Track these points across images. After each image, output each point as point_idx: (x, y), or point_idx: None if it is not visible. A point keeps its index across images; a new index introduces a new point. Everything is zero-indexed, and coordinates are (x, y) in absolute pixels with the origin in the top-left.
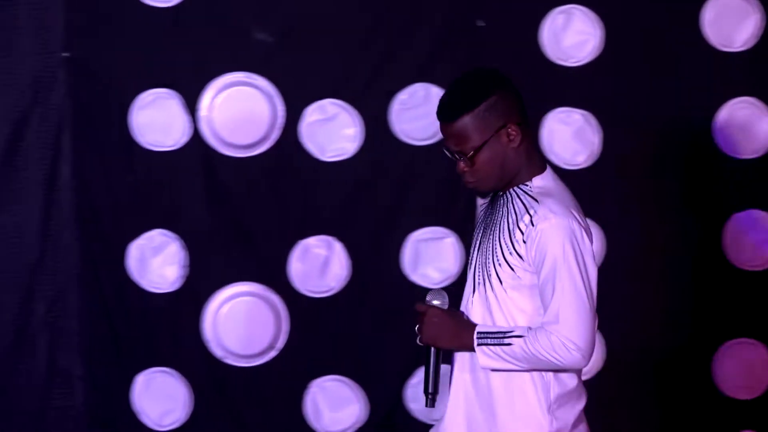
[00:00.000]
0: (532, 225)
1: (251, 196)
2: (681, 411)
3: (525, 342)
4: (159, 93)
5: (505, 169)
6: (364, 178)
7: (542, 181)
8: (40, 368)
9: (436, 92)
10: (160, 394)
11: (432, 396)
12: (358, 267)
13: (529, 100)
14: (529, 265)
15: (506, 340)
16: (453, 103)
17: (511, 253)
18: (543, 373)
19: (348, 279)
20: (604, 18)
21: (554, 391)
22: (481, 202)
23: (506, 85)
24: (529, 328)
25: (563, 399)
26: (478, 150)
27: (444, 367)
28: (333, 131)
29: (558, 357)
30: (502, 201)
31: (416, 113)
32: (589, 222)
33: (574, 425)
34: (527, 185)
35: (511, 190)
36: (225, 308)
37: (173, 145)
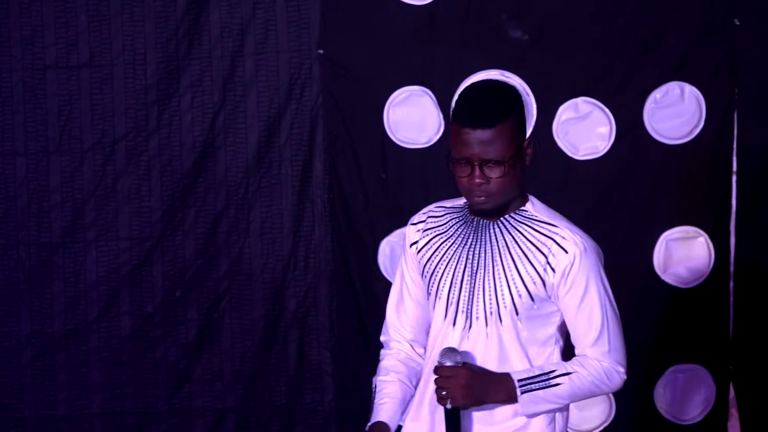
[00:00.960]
0: (564, 251)
1: None
2: None
3: (574, 378)
4: (413, 90)
5: (515, 189)
6: (616, 177)
7: (538, 205)
8: (290, 363)
9: (690, 91)
10: None
11: None
12: (609, 266)
13: None
14: (555, 292)
15: (552, 381)
16: (493, 107)
17: (535, 283)
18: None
19: None
20: None
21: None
22: (415, 236)
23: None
24: (572, 362)
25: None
26: (513, 159)
27: None
28: (586, 130)
29: (609, 384)
30: (495, 229)
31: (670, 112)
32: None
33: None
34: (525, 210)
35: (507, 216)
36: None
37: (426, 143)
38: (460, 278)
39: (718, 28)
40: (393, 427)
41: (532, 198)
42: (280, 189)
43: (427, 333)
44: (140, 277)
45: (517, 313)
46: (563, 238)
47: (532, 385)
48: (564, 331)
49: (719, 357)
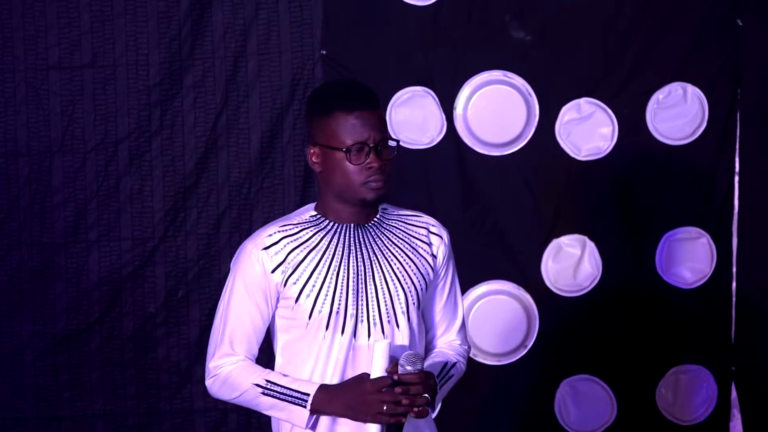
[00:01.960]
0: (438, 236)
1: (504, 194)
2: None
3: (458, 366)
4: (415, 91)
5: None
6: (619, 177)
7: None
8: None
9: (693, 92)
10: None
11: None
12: (610, 266)
13: None
14: (434, 279)
15: (449, 374)
16: (369, 91)
17: (429, 273)
18: None
19: (600, 278)
20: None
21: None
22: (276, 260)
23: None
24: (450, 350)
25: None
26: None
27: None
28: (588, 130)
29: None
30: (371, 232)
31: (673, 112)
32: None
33: None
34: (386, 208)
35: (378, 217)
36: (477, 306)
37: (429, 143)
38: (345, 287)
39: (720, 28)
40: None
41: None
42: (282, 189)
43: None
44: (142, 278)
45: (418, 306)
46: (432, 224)
47: (441, 381)
48: None
49: (721, 358)
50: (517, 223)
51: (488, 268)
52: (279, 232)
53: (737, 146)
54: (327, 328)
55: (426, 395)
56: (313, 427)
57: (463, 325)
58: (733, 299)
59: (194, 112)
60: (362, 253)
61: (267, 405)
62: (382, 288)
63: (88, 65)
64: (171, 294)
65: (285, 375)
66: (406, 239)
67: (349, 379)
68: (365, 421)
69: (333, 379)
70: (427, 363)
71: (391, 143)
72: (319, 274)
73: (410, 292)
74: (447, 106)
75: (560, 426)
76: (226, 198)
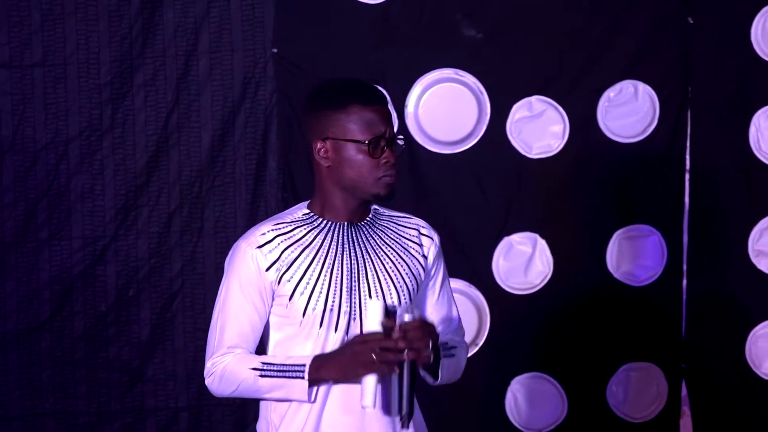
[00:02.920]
0: (428, 237)
1: (455, 192)
2: None
3: (460, 352)
4: None
5: None
6: (570, 175)
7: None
8: None
9: (643, 89)
10: None
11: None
12: (561, 264)
13: (738, 97)
14: (424, 280)
15: (451, 352)
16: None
17: (420, 274)
18: None
19: (551, 276)
20: None
21: None
22: (270, 259)
23: None
24: (454, 335)
25: None
26: None
27: None
28: (539, 128)
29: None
30: (363, 231)
31: (624, 110)
32: None
33: None
34: (377, 209)
35: (369, 216)
36: None
37: None
38: (339, 285)
39: (671, 26)
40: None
41: None
42: (233, 188)
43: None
44: (93, 277)
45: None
46: (422, 226)
47: (444, 351)
48: None
49: (672, 355)
50: (468, 221)
51: None
52: (272, 230)
53: (688, 144)
54: (321, 325)
55: (427, 340)
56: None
57: (460, 325)
58: (684, 297)
59: (145, 110)
60: (356, 252)
61: (267, 387)
62: (375, 286)
63: (39, 64)
64: (122, 293)
65: (278, 355)
66: (397, 239)
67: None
68: (358, 375)
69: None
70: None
71: (399, 140)
72: (313, 271)
73: (402, 291)
74: (398, 104)
75: (511, 424)
76: (177, 197)
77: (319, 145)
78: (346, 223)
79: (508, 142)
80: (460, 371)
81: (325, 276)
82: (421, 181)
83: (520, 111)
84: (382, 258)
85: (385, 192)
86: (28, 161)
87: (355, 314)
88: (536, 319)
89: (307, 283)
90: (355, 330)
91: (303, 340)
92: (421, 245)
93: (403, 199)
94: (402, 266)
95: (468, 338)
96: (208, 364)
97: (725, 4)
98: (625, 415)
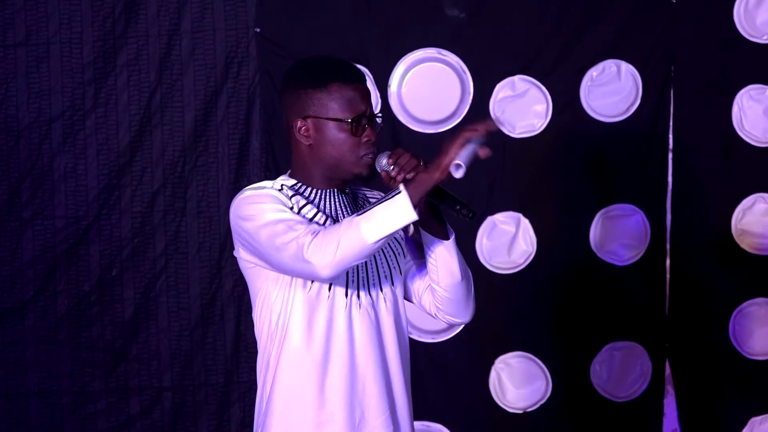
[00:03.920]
0: None
1: None
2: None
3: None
4: None
5: None
6: (553, 155)
7: None
8: (227, 342)
9: (626, 69)
10: None
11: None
12: (545, 244)
13: (721, 76)
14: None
15: None
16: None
17: (401, 240)
18: None
19: (534, 255)
20: None
21: None
22: (286, 202)
23: None
24: None
25: None
26: None
27: None
28: (523, 107)
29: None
30: (349, 198)
31: (607, 90)
32: None
33: None
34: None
35: (348, 189)
36: None
37: None
38: None
39: (654, 5)
40: None
41: None
42: (216, 168)
43: None
44: (76, 256)
45: (397, 271)
46: (382, 194)
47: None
48: None
49: (655, 334)
50: None
51: (422, 245)
52: (283, 185)
53: (671, 123)
54: (330, 288)
55: (416, 157)
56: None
57: None
58: (667, 276)
59: (128, 90)
60: (350, 212)
61: (368, 221)
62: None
63: (22, 43)
64: (105, 272)
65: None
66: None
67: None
68: (452, 152)
69: (309, 331)
70: None
71: (378, 118)
72: (317, 222)
73: (390, 258)
74: (381, 83)
75: (495, 403)
76: (161, 176)
77: (299, 124)
78: (335, 190)
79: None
80: (471, 284)
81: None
82: None
83: (503, 90)
84: None
85: (367, 172)
86: (11, 140)
87: (353, 278)
88: (520, 298)
89: None
90: (352, 294)
91: (297, 287)
92: None
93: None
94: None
95: None
96: (300, 241)
97: None
98: (609, 395)
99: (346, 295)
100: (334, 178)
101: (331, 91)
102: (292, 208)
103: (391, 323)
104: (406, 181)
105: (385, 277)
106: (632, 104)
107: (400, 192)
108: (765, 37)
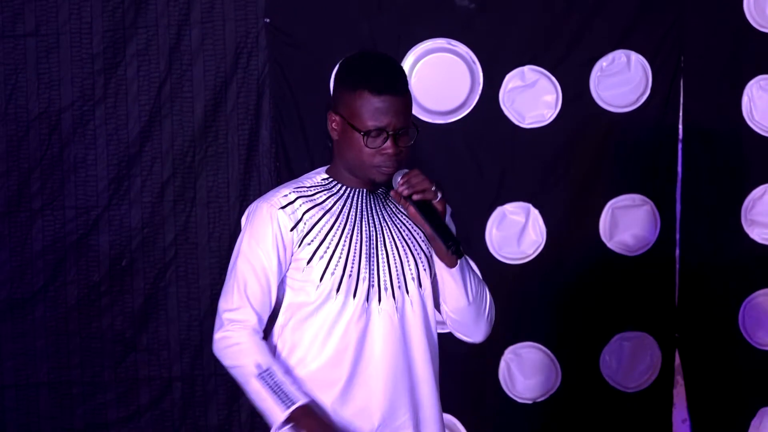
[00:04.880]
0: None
1: (448, 162)
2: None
3: (482, 282)
4: None
5: None
6: (563, 145)
7: None
8: None
9: (636, 59)
10: None
11: (459, 244)
12: (554, 234)
13: (731, 67)
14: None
15: (473, 269)
16: (401, 74)
17: (431, 252)
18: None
19: (544, 246)
20: None
21: None
22: (293, 220)
23: None
24: None
25: None
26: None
27: None
28: (532, 98)
29: (493, 315)
30: (379, 200)
31: (616, 80)
32: None
33: None
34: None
35: (383, 190)
36: None
37: None
38: (358, 251)
39: None
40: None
41: None
42: (226, 158)
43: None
44: (86, 246)
45: (427, 274)
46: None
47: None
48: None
49: (665, 325)
50: (461, 191)
51: None
52: (294, 192)
53: (681, 113)
54: (338, 290)
55: (428, 180)
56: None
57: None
58: (677, 266)
59: (138, 80)
60: (374, 219)
61: (254, 389)
62: (393, 254)
63: (31, 34)
64: (115, 262)
65: (287, 372)
66: (409, 224)
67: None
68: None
69: (338, 343)
70: None
71: (412, 131)
72: (334, 236)
73: (420, 258)
74: None
75: (505, 394)
76: (170, 166)
77: (332, 117)
78: (364, 191)
79: (501, 111)
80: (486, 304)
81: (345, 242)
82: (414, 151)
83: (512, 81)
84: (399, 226)
85: (381, 179)
86: (21, 131)
87: (373, 281)
88: (529, 289)
89: (327, 248)
90: (373, 297)
91: (317, 306)
92: None
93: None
94: (418, 233)
95: None
96: (224, 317)
97: None
98: (618, 385)
99: (367, 299)
100: (360, 177)
101: (358, 98)
102: (297, 224)
103: (419, 325)
104: (415, 203)
105: (413, 278)
106: (642, 94)
107: (284, 409)
108: None
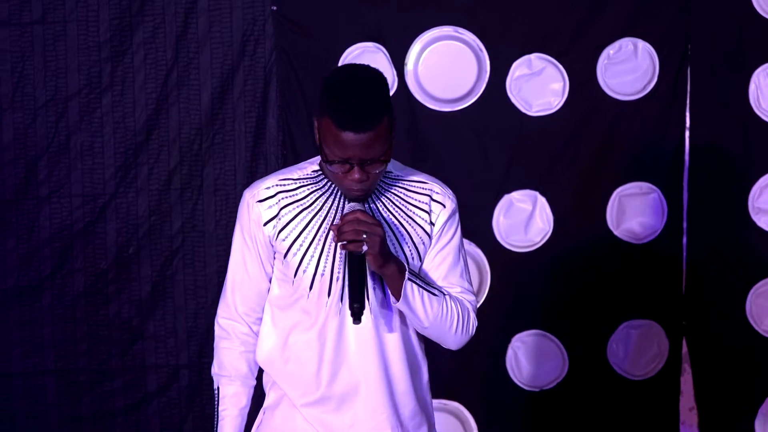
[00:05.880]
0: (441, 205)
1: (455, 150)
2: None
3: (448, 300)
4: (366, 47)
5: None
6: (570, 133)
7: (394, 163)
8: None
9: (643, 47)
10: None
11: (361, 309)
12: (561, 222)
13: (738, 54)
14: (432, 245)
15: (432, 290)
16: (370, 109)
17: (423, 242)
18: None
19: (551, 234)
20: None
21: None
22: (269, 214)
23: None
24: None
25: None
26: (389, 151)
27: None
28: (539, 86)
29: (471, 324)
30: (371, 197)
31: (623, 68)
32: None
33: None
34: (389, 172)
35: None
36: None
37: None
38: (332, 250)
39: None
40: None
41: None
42: (233, 146)
43: (263, 309)
44: (93, 234)
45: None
46: (436, 192)
47: (417, 280)
48: None
49: (672, 312)
50: (469, 179)
51: None
52: (277, 185)
53: (688, 101)
54: (311, 288)
55: (363, 233)
56: None
57: (465, 293)
58: (684, 254)
59: (145, 68)
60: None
61: (218, 414)
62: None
63: (38, 21)
64: (122, 250)
65: (232, 408)
66: (402, 206)
67: None
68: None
69: (314, 340)
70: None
71: (385, 156)
72: (309, 233)
73: (410, 253)
74: (398, 62)
75: (512, 381)
76: (177, 154)
77: (315, 123)
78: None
79: (508, 99)
80: (453, 322)
81: (319, 240)
82: (421, 139)
83: (519, 68)
84: (389, 225)
85: (353, 197)
86: (28, 119)
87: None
88: (537, 276)
89: (301, 245)
90: (374, 299)
91: (297, 298)
92: (429, 212)
93: (403, 157)
94: (401, 235)
95: None
96: (220, 321)
97: None
98: (625, 373)
99: (341, 299)
100: None
101: (325, 123)
102: (272, 219)
103: (395, 324)
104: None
105: None
106: (649, 82)
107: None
108: None
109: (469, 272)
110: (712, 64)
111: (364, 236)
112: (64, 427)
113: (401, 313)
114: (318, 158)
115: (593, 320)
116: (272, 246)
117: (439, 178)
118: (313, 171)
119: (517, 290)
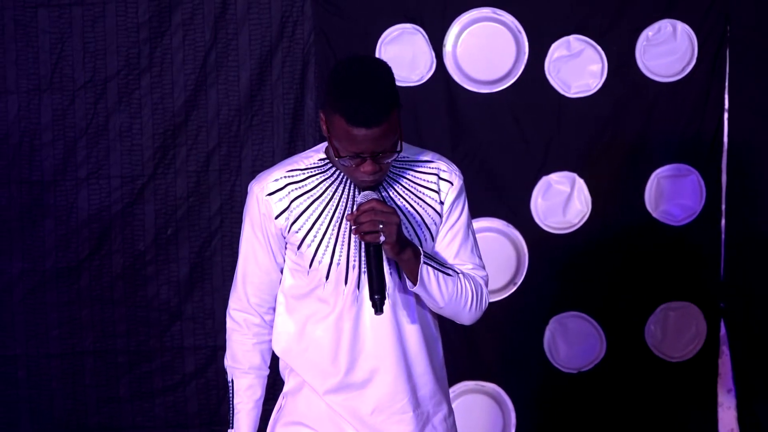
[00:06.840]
0: (448, 182)
1: (494, 132)
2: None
3: (461, 278)
4: (405, 28)
5: None
6: (608, 114)
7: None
8: None
9: (682, 28)
10: None
11: (382, 300)
12: (599, 204)
13: None
14: (443, 223)
15: (447, 270)
16: (379, 103)
17: (435, 222)
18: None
19: (589, 215)
20: None
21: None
22: (280, 207)
23: None
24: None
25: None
26: (399, 140)
27: None
28: (578, 67)
29: (485, 300)
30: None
31: (662, 49)
32: None
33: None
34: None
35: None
36: None
37: (418, 81)
38: (347, 238)
39: None
40: None
41: None
42: (271, 127)
43: (275, 299)
44: (132, 215)
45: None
46: (443, 170)
47: (432, 263)
48: None
49: (710, 294)
50: (507, 160)
51: (478, 205)
52: (285, 177)
53: (726, 83)
54: (327, 278)
55: (379, 223)
56: None
57: (477, 271)
58: (722, 236)
59: (183, 49)
60: (343, 206)
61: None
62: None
63: (77, 2)
64: (160, 232)
65: (248, 401)
66: (412, 188)
67: None
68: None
69: (332, 328)
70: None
71: (396, 145)
72: (322, 223)
73: (422, 237)
74: (436, 43)
75: (549, 363)
76: (216, 136)
77: (321, 116)
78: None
79: (547, 81)
80: (468, 300)
81: (334, 229)
82: (459, 121)
83: (558, 50)
84: (401, 206)
85: (364, 186)
86: (67, 100)
87: (365, 268)
88: (574, 258)
89: (315, 236)
90: (365, 284)
91: (312, 288)
92: (438, 191)
93: (442, 139)
94: (413, 218)
95: (506, 278)
96: (231, 312)
97: None
98: (663, 355)
99: (358, 286)
100: None
101: (336, 119)
102: (284, 212)
103: (412, 307)
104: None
105: None
106: (688, 64)
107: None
108: None
109: (478, 246)
110: (751, 45)
111: (381, 226)
112: (102, 407)
113: (417, 295)
114: (323, 145)
115: (631, 302)
116: (284, 238)
117: (476, 161)
118: (320, 159)
119: (555, 272)
